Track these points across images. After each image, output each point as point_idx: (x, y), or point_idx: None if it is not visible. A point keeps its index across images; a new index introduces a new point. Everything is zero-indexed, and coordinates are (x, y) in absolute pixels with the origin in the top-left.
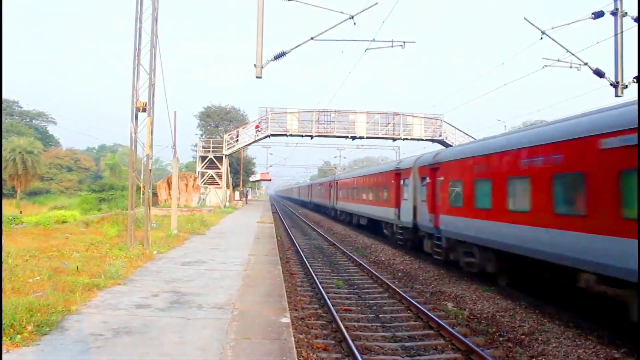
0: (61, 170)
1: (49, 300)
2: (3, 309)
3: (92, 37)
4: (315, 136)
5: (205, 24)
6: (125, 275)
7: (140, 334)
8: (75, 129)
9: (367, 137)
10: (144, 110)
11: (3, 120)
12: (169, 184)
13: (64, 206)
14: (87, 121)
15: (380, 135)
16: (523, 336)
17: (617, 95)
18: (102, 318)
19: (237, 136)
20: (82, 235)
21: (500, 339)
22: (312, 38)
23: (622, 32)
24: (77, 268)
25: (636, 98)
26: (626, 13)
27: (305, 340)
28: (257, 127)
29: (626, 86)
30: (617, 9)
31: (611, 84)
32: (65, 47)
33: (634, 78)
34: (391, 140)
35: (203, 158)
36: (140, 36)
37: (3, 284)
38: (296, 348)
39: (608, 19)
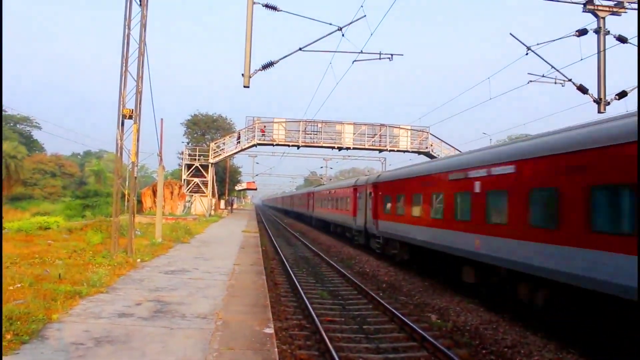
0: (45, 175)
1: (30, 308)
2: None
3: (79, 40)
4: (301, 146)
5: (194, 32)
6: (108, 283)
7: (122, 343)
8: (61, 134)
9: (354, 148)
10: (131, 117)
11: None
12: (154, 192)
13: (47, 212)
14: (73, 127)
15: (366, 147)
16: (506, 349)
17: (599, 112)
18: (84, 327)
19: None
20: (65, 242)
21: (483, 351)
22: (300, 49)
23: (604, 49)
24: (59, 275)
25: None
26: (609, 31)
27: (289, 351)
28: (262, 131)
29: (608, 103)
30: (600, 28)
31: (594, 100)
32: (49, 48)
33: (616, 95)
34: (377, 152)
35: (189, 166)
36: (128, 43)
37: None
38: (280, 359)
39: (592, 36)
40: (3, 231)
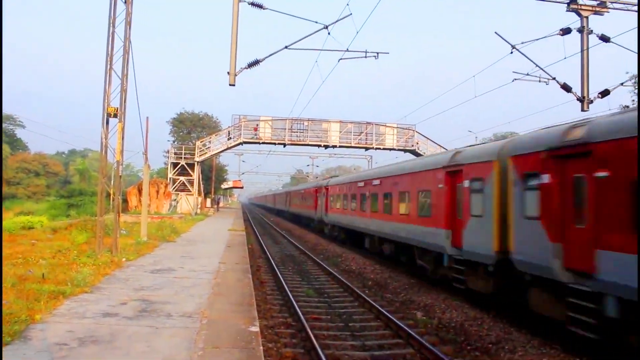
0: (29, 174)
1: (12, 309)
2: None
3: (64, 40)
4: (288, 144)
5: (179, 30)
6: (92, 283)
7: (106, 343)
8: (45, 132)
9: (340, 146)
10: (116, 115)
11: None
12: (140, 191)
13: (31, 212)
14: (57, 125)
15: (353, 145)
16: (490, 345)
17: (582, 110)
18: (68, 327)
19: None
20: (49, 242)
21: (468, 347)
22: (286, 47)
23: (587, 48)
24: (43, 275)
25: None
26: (592, 31)
27: (275, 349)
28: (255, 129)
29: (592, 101)
30: (583, 27)
31: (578, 99)
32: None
33: (599, 94)
34: (364, 150)
35: (175, 164)
36: (112, 41)
37: None
38: (265, 357)
39: (575, 35)
40: None
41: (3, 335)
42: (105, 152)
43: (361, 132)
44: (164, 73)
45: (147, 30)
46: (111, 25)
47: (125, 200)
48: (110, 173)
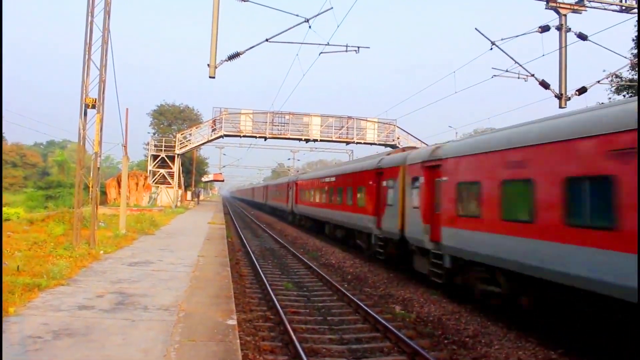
0: (5, 165)
1: None
2: None
3: (42, 28)
4: (269, 138)
5: (159, 22)
6: (69, 275)
7: (82, 336)
8: (23, 123)
9: (321, 140)
10: (94, 106)
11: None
12: (119, 183)
13: (7, 203)
14: (36, 116)
15: (333, 139)
16: (467, 338)
17: (560, 107)
18: (42, 320)
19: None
20: (25, 234)
21: (446, 341)
22: (267, 39)
23: (565, 46)
24: (18, 268)
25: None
26: (570, 29)
27: (253, 342)
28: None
29: (569, 98)
30: (561, 25)
31: (555, 96)
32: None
33: (576, 91)
34: (344, 144)
35: (155, 157)
36: (91, 30)
37: None
38: (243, 350)
39: (554, 33)
40: None
41: None
42: (83, 144)
43: (342, 127)
44: (144, 64)
45: (128, 21)
46: (89, 14)
47: (104, 193)
48: (88, 165)
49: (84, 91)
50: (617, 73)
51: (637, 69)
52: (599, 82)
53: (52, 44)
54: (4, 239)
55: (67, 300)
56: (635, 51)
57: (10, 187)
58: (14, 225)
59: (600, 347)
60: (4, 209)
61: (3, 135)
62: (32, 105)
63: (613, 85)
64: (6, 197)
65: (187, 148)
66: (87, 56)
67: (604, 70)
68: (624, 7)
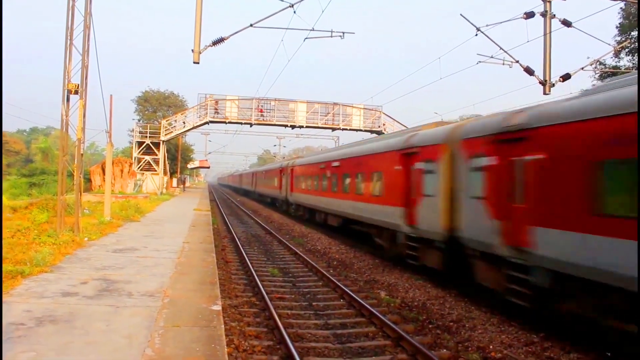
0: None
1: None
2: None
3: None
4: (254, 124)
5: (142, 6)
6: (52, 262)
7: (65, 322)
8: (5, 110)
9: (307, 127)
10: (77, 92)
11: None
12: (104, 169)
13: None
14: (19, 102)
15: (319, 125)
16: (451, 323)
17: (545, 93)
18: (25, 307)
19: (176, 122)
20: (8, 222)
21: (430, 326)
22: (251, 25)
23: (550, 32)
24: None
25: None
26: (554, 15)
27: (238, 327)
28: (260, 110)
29: (553, 84)
30: (546, 11)
31: (540, 82)
32: None
33: (560, 77)
34: (330, 130)
35: (140, 144)
36: (72, 15)
37: None
38: (228, 335)
39: (538, 19)
40: None
41: None
42: (66, 130)
43: (328, 113)
44: (128, 50)
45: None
46: None
47: (88, 180)
48: (72, 152)
49: (66, 77)
50: (600, 60)
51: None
52: (582, 68)
53: (37, 27)
54: None
55: (51, 287)
56: (619, 38)
57: None
58: None
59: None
60: None
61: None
62: (15, 92)
63: (597, 72)
64: None
65: (173, 135)
66: (69, 41)
67: (587, 57)
68: None
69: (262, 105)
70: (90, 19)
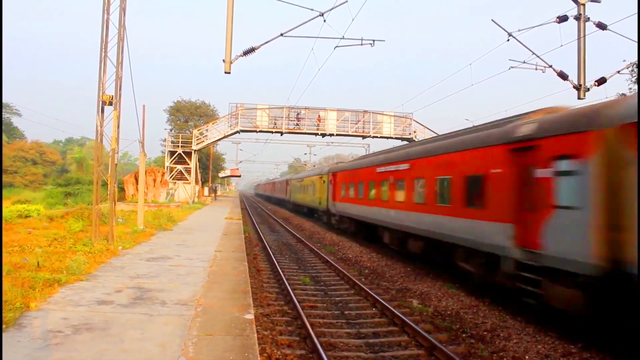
0: (25, 163)
1: (7, 296)
2: None
3: (60, 28)
4: (285, 132)
5: (176, 18)
6: (88, 271)
7: (100, 330)
8: (42, 121)
9: (337, 135)
10: (111, 103)
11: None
12: (137, 179)
13: (28, 200)
14: (55, 113)
15: (350, 133)
16: (485, 332)
17: (579, 98)
18: (62, 314)
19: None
20: (45, 230)
21: (463, 335)
22: (281, 34)
23: (584, 36)
24: (38, 264)
25: None
26: (589, 18)
27: (270, 336)
28: (318, 119)
29: (588, 89)
30: (580, 14)
31: (574, 87)
32: (32, 37)
33: (595, 82)
34: (361, 138)
35: (172, 153)
36: (107, 28)
37: None
38: (260, 344)
39: (572, 23)
40: None
41: None
42: (101, 140)
43: (358, 120)
44: (161, 61)
45: (144, 16)
46: (105, 12)
47: (122, 189)
48: (106, 161)
49: (101, 88)
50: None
51: None
52: (618, 72)
53: (72, 41)
54: (25, 235)
55: (87, 295)
56: None
57: (31, 185)
58: (34, 221)
59: (620, 341)
60: (25, 206)
61: (23, 133)
62: (52, 104)
63: (633, 75)
64: (26, 194)
65: (204, 144)
66: (103, 53)
67: (624, 60)
68: None
69: (295, 114)
70: (124, 31)
